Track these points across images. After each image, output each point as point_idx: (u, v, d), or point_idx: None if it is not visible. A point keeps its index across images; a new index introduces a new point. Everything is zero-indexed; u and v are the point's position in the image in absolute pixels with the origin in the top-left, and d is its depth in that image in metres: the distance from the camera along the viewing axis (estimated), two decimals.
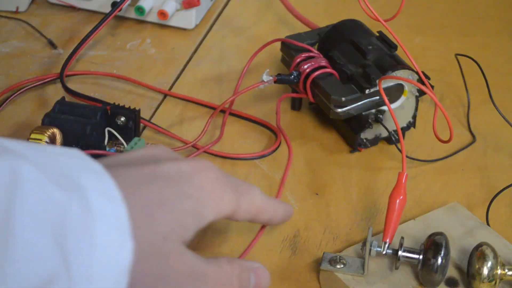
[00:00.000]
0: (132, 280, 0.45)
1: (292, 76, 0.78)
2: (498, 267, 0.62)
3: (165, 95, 0.85)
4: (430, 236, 0.63)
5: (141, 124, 0.78)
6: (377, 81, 0.74)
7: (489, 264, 0.61)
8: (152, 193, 0.48)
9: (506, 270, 0.62)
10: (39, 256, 0.40)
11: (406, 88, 0.77)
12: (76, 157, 0.46)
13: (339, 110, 0.75)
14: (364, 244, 0.63)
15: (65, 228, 0.41)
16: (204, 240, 0.68)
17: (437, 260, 0.61)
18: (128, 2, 0.91)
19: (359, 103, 0.75)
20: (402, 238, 0.64)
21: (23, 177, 0.40)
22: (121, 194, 0.45)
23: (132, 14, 0.93)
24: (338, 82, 0.77)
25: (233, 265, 0.53)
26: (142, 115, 0.78)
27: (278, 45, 0.82)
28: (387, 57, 0.77)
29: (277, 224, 0.62)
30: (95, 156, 0.50)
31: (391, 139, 0.78)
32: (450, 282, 0.64)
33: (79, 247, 0.42)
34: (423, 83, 0.74)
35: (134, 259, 0.45)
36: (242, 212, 0.55)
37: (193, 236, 0.50)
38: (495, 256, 0.62)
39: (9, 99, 0.82)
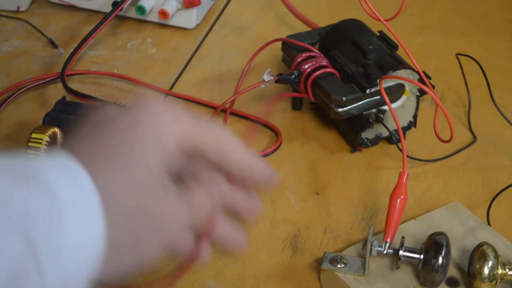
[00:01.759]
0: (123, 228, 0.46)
1: (293, 76, 0.78)
2: (499, 267, 0.62)
3: (166, 95, 0.85)
4: (431, 235, 0.63)
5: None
6: (378, 80, 0.74)
7: (490, 263, 0.61)
8: (110, 157, 0.47)
9: (507, 270, 0.62)
10: (3, 249, 0.40)
11: (407, 87, 0.77)
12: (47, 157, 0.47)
13: (340, 109, 0.75)
14: (365, 243, 0.63)
15: (29, 217, 0.41)
16: None
17: (438, 259, 0.61)
18: (129, 2, 0.91)
19: (360, 102, 0.75)
20: (403, 237, 0.64)
21: None
22: (85, 169, 0.45)
23: (133, 13, 0.93)
24: (339, 81, 0.77)
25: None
26: None
27: (278, 44, 0.82)
28: (388, 57, 0.77)
29: (257, 181, 0.53)
30: None
31: (392, 139, 0.78)
32: (451, 281, 0.64)
33: (45, 232, 0.42)
34: (424, 82, 0.74)
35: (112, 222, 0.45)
36: (210, 145, 0.51)
37: (167, 164, 0.50)
38: (496, 255, 0.62)
39: (10, 99, 0.82)
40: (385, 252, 0.63)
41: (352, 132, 0.78)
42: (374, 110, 0.76)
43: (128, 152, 0.48)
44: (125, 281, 0.48)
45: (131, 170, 0.47)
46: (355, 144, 0.78)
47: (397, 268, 0.64)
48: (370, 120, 0.76)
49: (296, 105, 0.83)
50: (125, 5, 0.90)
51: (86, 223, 0.44)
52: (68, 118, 0.74)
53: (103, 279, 0.46)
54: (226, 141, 0.52)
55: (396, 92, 0.77)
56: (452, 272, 0.64)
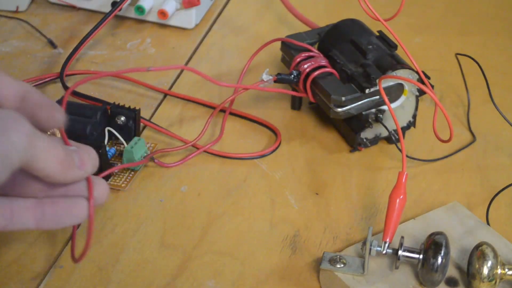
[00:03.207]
0: None
1: (292, 76, 0.78)
2: (498, 267, 0.62)
3: (165, 95, 0.85)
4: (430, 235, 0.63)
5: (141, 124, 0.78)
6: (377, 80, 0.74)
7: (489, 263, 0.61)
8: None
9: (506, 270, 0.62)
10: None
11: (406, 87, 0.77)
12: None
13: (339, 109, 0.75)
14: (364, 243, 0.63)
15: None
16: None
17: (437, 259, 0.61)
18: (128, 2, 0.91)
19: (359, 102, 0.75)
20: (402, 237, 0.64)
21: None
22: None
23: (132, 13, 0.93)
24: (338, 81, 0.77)
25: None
26: (142, 114, 0.78)
27: (278, 44, 0.82)
28: (387, 57, 0.77)
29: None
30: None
31: (391, 139, 0.78)
32: (450, 281, 0.64)
33: None
34: (423, 82, 0.74)
35: None
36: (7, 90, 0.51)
37: None
38: (495, 255, 0.62)
39: None
40: (384, 252, 0.63)
41: (351, 132, 0.78)
42: (373, 110, 0.76)
43: None
44: None
45: None
46: (354, 144, 0.78)
47: (396, 268, 0.64)
48: (370, 120, 0.76)
49: (295, 105, 0.83)
50: (124, 5, 0.90)
51: None
52: (67, 118, 0.73)
53: None
54: (25, 90, 0.52)
55: (395, 92, 0.77)
56: (452, 272, 0.64)
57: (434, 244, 0.62)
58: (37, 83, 0.84)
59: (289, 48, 0.81)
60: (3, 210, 0.52)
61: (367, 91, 0.75)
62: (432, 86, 0.74)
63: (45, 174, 0.50)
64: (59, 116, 0.53)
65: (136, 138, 0.74)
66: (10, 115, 0.48)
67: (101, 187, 0.54)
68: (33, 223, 0.53)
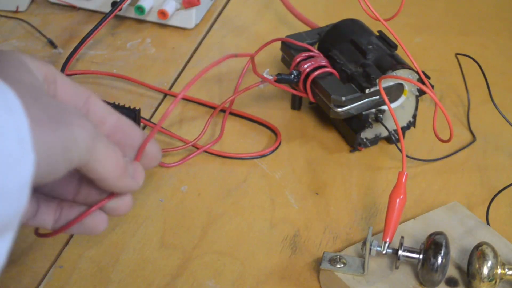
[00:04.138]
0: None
1: (292, 76, 0.78)
2: (498, 267, 0.62)
3: (165, 95, 0.85)
4: (430, 235, 0.63)
5: (141, 124, 0.78)
6: (377, 80, 0.74)
7: (489, 263, 0.61)
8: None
9: (506, 270, 0.62)
10: None
11: (406, 87, 0.77)
12: None
13: (339, 109, 0.75)
14: (364, 243, 0.63)
15: None
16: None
17: (437, 259, 0.61)
18: (128, 2, 0.91)
19: (359, 102, 0.75)
20: (402, 237, 0.64)
21: None
22: (21, 103, 0.44)
23: (132, 13, 0.93)
24: (338, 81, 0.77)
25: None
26: (142, 114, 0.78)
27: (278, 44, 0.82)
28: (387, 57, 0.77)
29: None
30: None
31: (391, 139, 0.78)
32: (450, 281, 0.64)
33: None
34: (423, 82, 0.74)
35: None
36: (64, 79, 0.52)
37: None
38: (495, 255, 0.62)
39: None
40: (384, 252, 0.63)
41: (351, 132, 0.78)
42: (373, 110, 0.76)
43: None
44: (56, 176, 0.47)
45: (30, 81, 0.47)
46: (354, 144, 0.78)
47: (396, 268, 0.64)
48: (370, 120, 0.76)
49: (295, 105, 0.83)
50: (124, 5, 0.90)
51: (15, 160, 0.42)
52: None
53: (37, 181, 0.44)
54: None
55: (395, 92, 0.77)
56: (452, 272, 0.64)
57: (434, 244, 0.62)
58: None
59: (289, 48, 0.81)
60: (30, 205, 0.52)
61: (367, 91, 0.75)
62: (432, 86, 0.74)
63: (101, 177, 0.50)
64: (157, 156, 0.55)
65: None
66: (75, 111, 0.48)
67: (124, 201, 0.54)
68: (50, 224, 0.54)
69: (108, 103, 0.78)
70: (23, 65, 0.49)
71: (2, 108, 0.42)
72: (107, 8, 0.91)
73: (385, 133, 0.79)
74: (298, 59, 0.79)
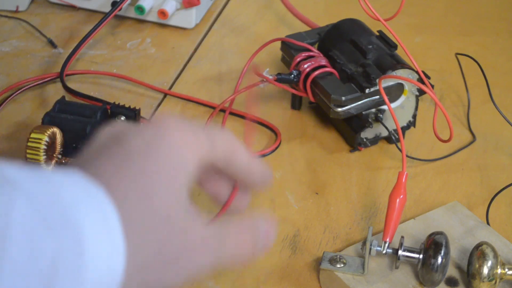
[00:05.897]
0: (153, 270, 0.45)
1: (292, 76, 0.78)
2: (498, 267, 0.62)
3: (165, 95, 0.85)
4: (430, 235, 0.63)
5: (141, 124, 0.78)
6: (377, 80, 0.74)
7: (489, 263, 0.61)
8: (135, 182, 0.46)
9: (506, 270, 0.62)
10: None
11: (406, 87, 0.77)
12: (75, 185, 0.45)
13: (339, 109, 0.75)
14: (364, 243, 0.63)
15: (54, 276, 0.41)
16: None
17: (437, 259, 0.61)
18: (128, 2, 0.91)
19: (359, 102, 0.75)
20: (402, 237, 0.64)
21: (14, 220, 0.40)
22: (119, 222, 0.43)
23: (132, 13, 0.93)
24: (338, 81, 0.77)
25: (242, 226, 0.52)
26: (142, 114, 0.78)
27: (278, 44, 0.82)
28: (387, 57, 0.77)
29: (256, 183, 0.54)
30: None
31: (391, 139, 0.78)
32: (450, 281, 0.64)
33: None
34: (423, 82, 0.74)
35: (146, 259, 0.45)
36: (219, 150, 0.51)
37: (190, 188, 0.49)
38: (495, 255, 0.62)
39: (9, 98, 0.82)
40: (384, 251, 0.63)
41: (352, 131, 0.78)
42: (373, 110, 0.76)
43: (151, 176, 0.46)
44: None
45: (156, 200, 0.46)
46: (354, 143, 0.78)
47: (396, 267, 0.64)
48: (370, 120, 0.76)
49: (295, 104, 0.83)
50: (124, 5, 0.90)
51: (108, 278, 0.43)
52: (67, 118, 0.74)
53: None
54: (234, 149, 0.52)
55: (395, 91, 0.77)
56: (452, 271, 0.64)
57: (434, 244, 0.62)
58: (37, 83, 0.84)
59: (289, 48, 0.81)
60: None
61: (367, 91, 0.75)
62: (432, 86, 0.74)
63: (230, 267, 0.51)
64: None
65: None
66: (199, 239, 0.48)
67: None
68: None
69: (108, 103, 0.79)
70: (173, 153, 0.48)
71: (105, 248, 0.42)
72: (107, 8, 0.91)
73: (385, 133, 0.79)
74: (298, 59, 0.79)
